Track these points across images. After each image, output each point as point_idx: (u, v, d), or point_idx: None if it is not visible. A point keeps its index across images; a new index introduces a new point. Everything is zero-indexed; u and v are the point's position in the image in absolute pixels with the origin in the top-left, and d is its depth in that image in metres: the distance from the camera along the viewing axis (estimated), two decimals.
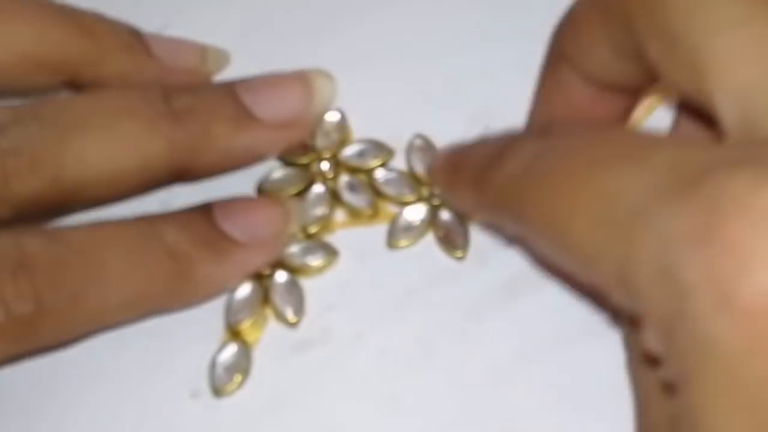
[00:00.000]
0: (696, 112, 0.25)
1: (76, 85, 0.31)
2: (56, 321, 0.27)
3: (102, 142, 0.28)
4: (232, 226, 0.30)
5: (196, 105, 0.30)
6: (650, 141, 0.23)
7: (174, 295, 0.29)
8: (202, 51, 0.33)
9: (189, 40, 0.32)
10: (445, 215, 0.31)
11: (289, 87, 0.31)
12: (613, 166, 0.22)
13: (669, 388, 0.21)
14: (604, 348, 0.29)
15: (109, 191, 0.29)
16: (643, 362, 0.25)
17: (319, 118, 0.32)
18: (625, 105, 0.29)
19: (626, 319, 0.27)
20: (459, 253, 0.31)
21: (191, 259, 0.29)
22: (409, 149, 0.32)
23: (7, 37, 0.29)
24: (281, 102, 0.31)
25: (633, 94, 0.29)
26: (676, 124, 0.29)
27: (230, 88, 0.31)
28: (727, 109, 0.23)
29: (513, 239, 0.30)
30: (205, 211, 0.30)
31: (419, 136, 0.32)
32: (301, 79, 0.31)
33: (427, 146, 0.32)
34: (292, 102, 0.31)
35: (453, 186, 0.29)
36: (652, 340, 0.21)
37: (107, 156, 0.28)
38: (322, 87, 0.31)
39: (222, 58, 0.33)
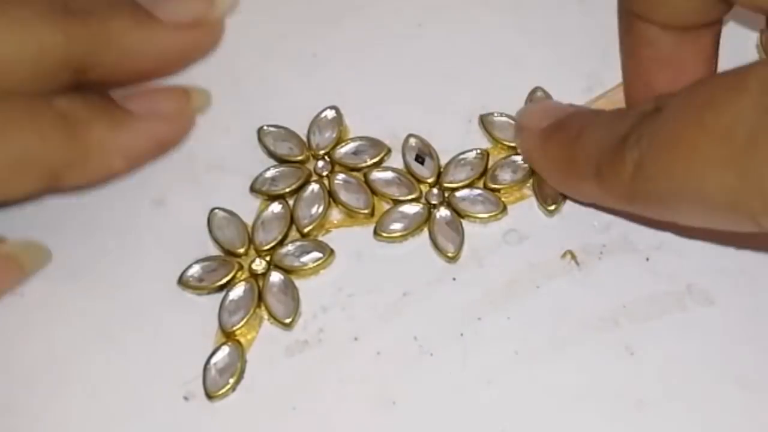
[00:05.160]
0: None
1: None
2: None
3: None
4: (129, 101, 0.30)
5: (92, 4, 0.30)
6: (740, 70, 0.23)
7: (70, 158, 0.29)
8: None
9: None
10: (440, 214, 0.31)
11: None
12: (715, 104, 0.23)
13: None
14: (602, 348, 0.29)
15: (4, 79, 0.29)
16: None
17: (221, 23, 0.32)
18: (709, 42, 0.29)
19: None
20: (451, 253, 0.30)
21: (84, 121, 0.29)
22: (404, 148, 0.32)
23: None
24: (181, 3, 0.31)
25: (712, 29, 0.29)
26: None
27: None
28: None
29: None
30: (102, 92, 0.30)
31: (413, 135, 0.32)
32: None
33: (423, 145, 0.32)
34: (192, 4, 0.31)
35: (571, 180, 0.29)
36: None
37: (1, 40, 0.28)
38: None
39: None
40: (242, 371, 0.29)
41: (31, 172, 0.28)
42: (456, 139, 0.32)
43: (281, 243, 0.31)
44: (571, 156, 0.28)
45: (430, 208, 0.31)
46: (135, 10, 0.30)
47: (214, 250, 0.31)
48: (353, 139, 0.32)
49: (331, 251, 0.30)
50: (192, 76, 0.32)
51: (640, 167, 0.25)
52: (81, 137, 0.29)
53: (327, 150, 0.32)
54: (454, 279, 0.30)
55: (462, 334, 0.29)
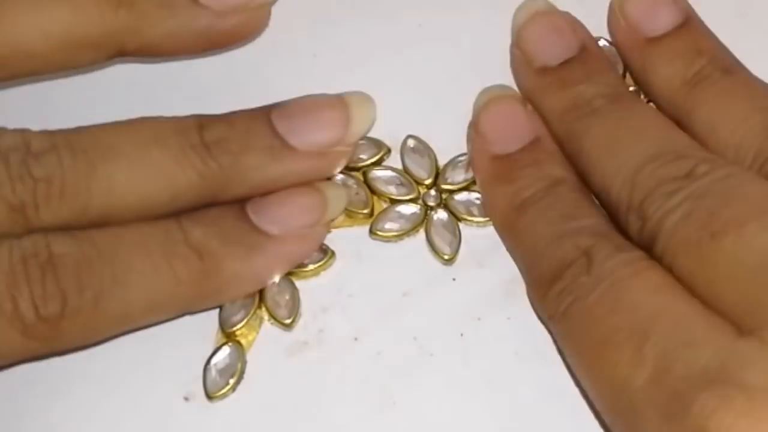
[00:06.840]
0: None
1: (126, 55, 0.30)
2: (81, 322, 0.27)
3: (130, 172, 0.28)
4: (265, 218, 0.29)
5: (229, 135, 0.29)
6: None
7: (203, 294, 0.28)
8: None
9: None
10: (437, 216, 0.31)
11: (326, 113, 0.30)
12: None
13: None
14: None
15: (139, 216, 0.28)
16: None
17: (357, 144, 0.31)
18: None
19: None
20: (447, 255, 0.30)
21: (219, 257, 0.28)
22: (403, 149, 0.32)
23: (42, 24, 0.28)
24: (317, 129, 0.29)
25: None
26: None
27: (266, 116, 0.29)
28: None
29: None
30: (237, 206, 0.29)
31: (411, 136, 0.32)
32: (339, 104, 0.30)
33: (421, 146, 0.32)
34: (329, 129, 0.30)
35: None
36: None
37: (135, 187, 0.28)
38: (361, 112, 0.30)
39: None
40: (242, 372, 0.29)
41: (164, 310, 0.28)
42: (456, 139, 0.32)
43: None
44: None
45: (427, 209, 0.31)
46: (272, 141, 0.29)
47: None
48: None
49: (332, 253, 0.30)
50: (192, 77, 0.32)
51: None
52: (215, 274, 0.28)
53: None
54: (454, 279, 0.30)
55: (462, 334, 0.29)
